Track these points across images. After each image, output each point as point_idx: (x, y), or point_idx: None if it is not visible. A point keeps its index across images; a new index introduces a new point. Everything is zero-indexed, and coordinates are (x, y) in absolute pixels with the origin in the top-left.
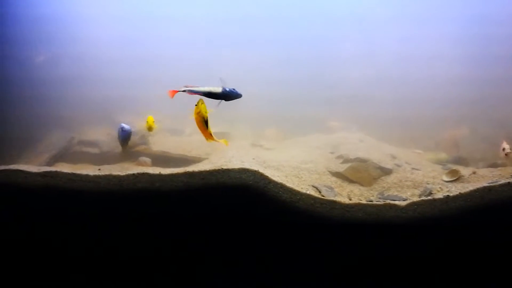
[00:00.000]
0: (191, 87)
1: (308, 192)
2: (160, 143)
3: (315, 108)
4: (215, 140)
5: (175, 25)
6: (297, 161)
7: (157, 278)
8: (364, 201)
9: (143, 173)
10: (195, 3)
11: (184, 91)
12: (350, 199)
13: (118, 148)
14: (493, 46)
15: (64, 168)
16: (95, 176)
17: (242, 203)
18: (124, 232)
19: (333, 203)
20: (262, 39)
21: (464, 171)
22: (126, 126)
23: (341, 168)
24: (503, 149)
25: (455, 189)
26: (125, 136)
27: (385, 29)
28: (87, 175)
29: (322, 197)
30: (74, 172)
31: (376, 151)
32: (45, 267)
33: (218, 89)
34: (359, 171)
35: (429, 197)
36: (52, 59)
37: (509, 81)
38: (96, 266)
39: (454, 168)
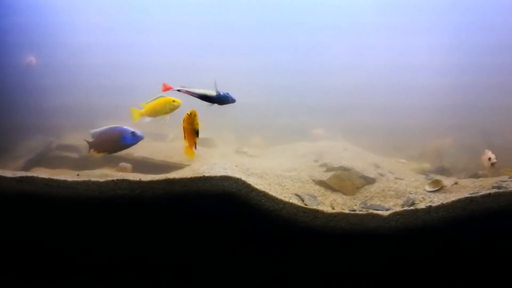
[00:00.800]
0: (187, 88)
1: (291, 200)
2: (141, 148)
3: (300, 116)
4: (192, 151)
5: (161, 32)
6: (281, 169)
7: (133, 285)
8: (347, 210)
9: (123, 180)
10: (181, 10)
11: (179, 90)
12: (333, 208)
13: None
14: (479, 55)
15: (42, 173)
16: (74, 182)
17: (224, 211)
18: (103, 240)
19: (316, 212)
20: (249, 46)
21: (447, 181)
22: (138, 132)
23: (325, 176)
24: (489, 159)
25: (437, 199)
26: (133, 143)
27: (372, 38)
28: (65, 181)
29: (305, 206)
30: (51, 177)
31: (360, 160)
32: (20, 274)
33: (212, 93)
34: (342, 180)
35: (412, 207)
36: (34, 66)
37: (492, 90)
38: (73, 273)
39: (436, 178)
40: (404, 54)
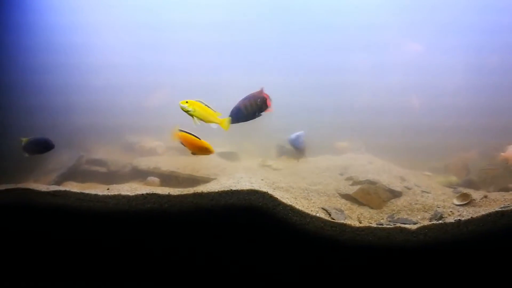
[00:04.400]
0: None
1: (317, 214)
2: (168, 162)
3: (324, 129)
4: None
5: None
6: (306, 182)
7: None
8: (374, 224)
9: (152, 194)
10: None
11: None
12: (360, 222)
13: (126, 167)
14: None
15: (73, 187)
16: (104, 196)
17: (251, 224)
18: (133, 253)
19: (343, 226)
20: (280, 64)
21: (475, 194)
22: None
23: (351, 190)
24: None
25: (467, 213)
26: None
27: (396, 55)
28: (96, 195)
29: (332, 220)
30: (83, 191)
31: (386, 173)
32: (55, 286)
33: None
34: (369, 194)
35: (440, 221)
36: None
37: None
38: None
39: (465, 191)
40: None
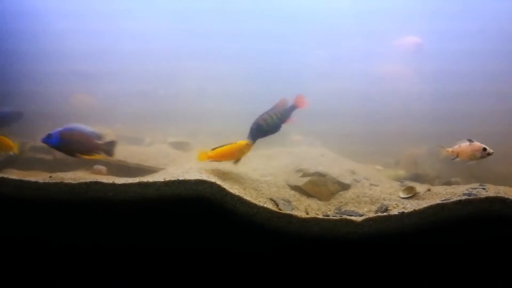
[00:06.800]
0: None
1: (265, 205)
2: (117, 152)
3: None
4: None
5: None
6: (258, 174)
7: None
8: (320, 216)
9: (96, 182)
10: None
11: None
12: (307, 213)
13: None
14: (460, 61)
15: (13, 174)
16: (45, 184)
17: (198, 215)
18: (72, 242)
19: (290, 217)
20: (228, 52)
21: (420, 188)
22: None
23: (300, 182)
24: (484, 149)
25: (410, 206)
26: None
27: (350, 44)
28: (36, 182)
29: (279, 211)
30: (22, 179)
31: (336, 166)
32: None
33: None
34: (318, 186)
35: (385, 213)
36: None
37: (472, 97)
38: (42, 277)
39: (410, 185)
40: (383, 60)
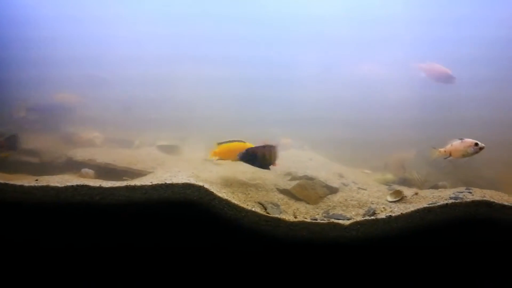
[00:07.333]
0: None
1: (253, 209)
2: (106, 155)
3: (269, 127)
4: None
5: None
6: (246, 177)
7: None
8: (308, 219)
9: (83, 185)
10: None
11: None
12: (296, 217)
13: (60, 158)
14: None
15: None
16: (31, 187)
17: (185, 219)
18: (60, 246)
19: (278, 220)
20: (220, 57)
21: (407, 191)
22: None
23: (289, 185)
24: (476, 144)
25: (398, 210)
26: None
27: (341, 51)
28: (21, 186)
29: (267, 214)
30: (7, 182)
31: (325, 169)
32: None
33: None
34: (306, 189)
35: (373, 217)
36: None
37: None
38: (27, 280)
39: (398, 188)
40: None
